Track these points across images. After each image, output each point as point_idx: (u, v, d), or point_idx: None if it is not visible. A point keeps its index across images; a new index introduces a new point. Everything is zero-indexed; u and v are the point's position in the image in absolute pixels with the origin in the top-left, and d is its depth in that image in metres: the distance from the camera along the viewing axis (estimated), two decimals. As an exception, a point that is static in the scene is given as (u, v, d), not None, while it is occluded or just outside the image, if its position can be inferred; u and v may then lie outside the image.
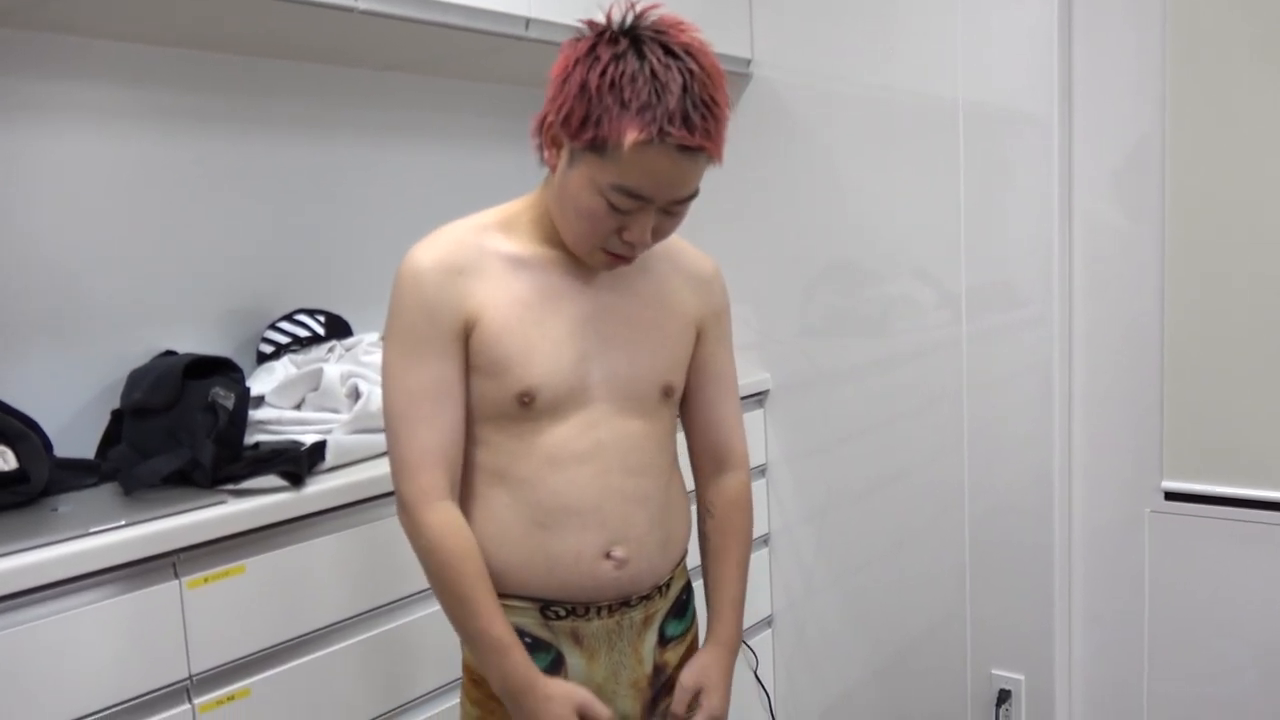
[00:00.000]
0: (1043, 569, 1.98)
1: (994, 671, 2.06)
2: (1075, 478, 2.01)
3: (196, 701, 1.27)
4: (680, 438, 1.30)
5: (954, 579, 2.08)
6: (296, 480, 1.36)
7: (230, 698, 1.30)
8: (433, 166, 2.05)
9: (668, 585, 1.23)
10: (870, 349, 2.14)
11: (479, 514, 1.16)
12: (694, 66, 1.02)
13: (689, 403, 1.29)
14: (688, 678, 1.20)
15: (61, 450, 1.47)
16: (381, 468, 1.42)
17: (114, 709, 1.20)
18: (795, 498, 2.28)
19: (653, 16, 1.05)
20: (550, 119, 1.07)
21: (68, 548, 1.14)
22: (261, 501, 1.31)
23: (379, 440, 1.45)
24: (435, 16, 1.58)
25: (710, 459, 1.31)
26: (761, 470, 2.29)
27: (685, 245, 1.27)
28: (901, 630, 2.17)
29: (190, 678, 1.26)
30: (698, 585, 1.31)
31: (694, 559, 1.31)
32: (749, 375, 2.23)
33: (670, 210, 1.09)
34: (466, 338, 1.11)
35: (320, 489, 1.37)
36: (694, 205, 1.12)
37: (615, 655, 1.19)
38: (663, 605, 1.23)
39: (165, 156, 1.65)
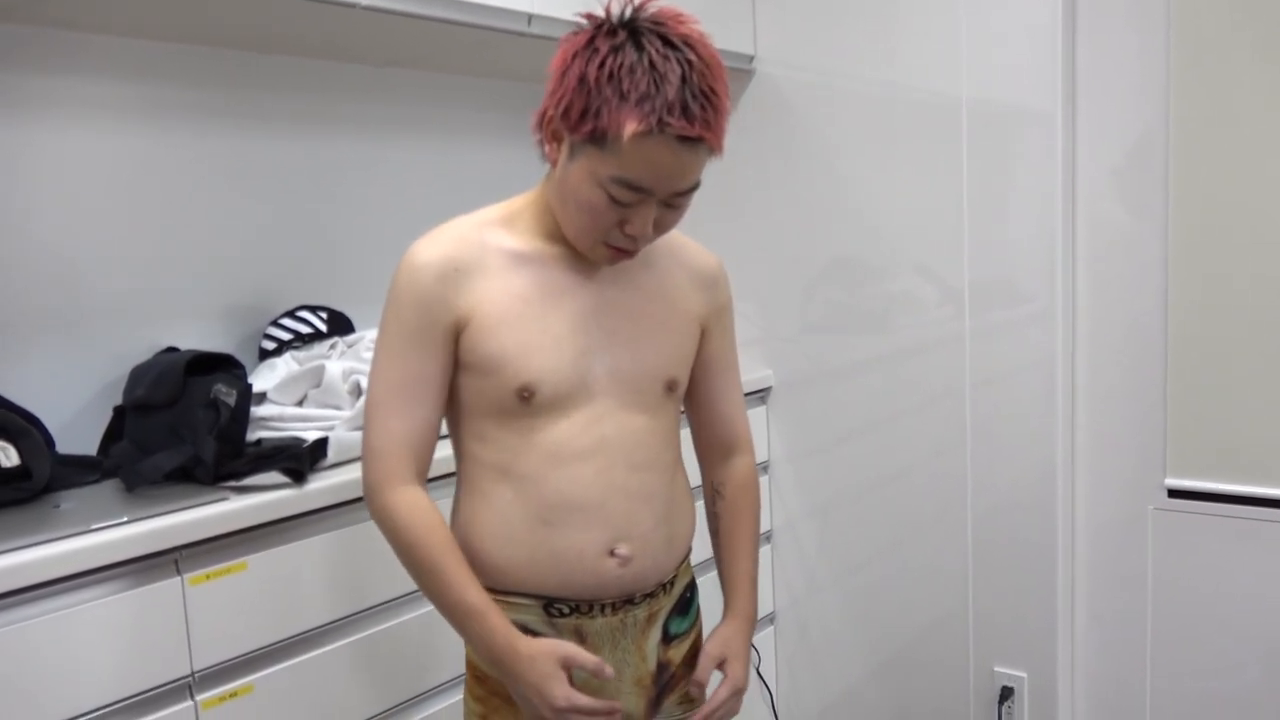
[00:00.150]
0: (1046, 566, 1.97)
1: (996, 668, 2.05)
2: (1078, 475, 2.00)
3: (199, 698, 1.27)
4: (684, 433, 1.30)
5: (956, 576, 2.08)
6: (299, 477, 1.36)
7: (233, 694, 1.30)
8: (435, 163, 2.05)
9: (672, 583, 1.23)
10: (873, 346, 2.14)
11: (483, 511, 1.16)
12: (693, 57, 1.02)
13: (695, 397, 1.29)
14: (713, 646, 1.22)
15: (64, 447, 1.47)
16: (384, 464, 1.42)
17: (116, 706, 1.19)
18: (797, 494, 2.27)
19: (652, 9, 1.05)
20: (550, 113, 1.07)
21: (70, 544, 1.14)
22: (263, 498, 1.31)
23: (381, 437, 1.44)
24: (437, 12, 1.58)
25: (719, 447, 1.32)
26: (764, 467, 2.29)
27: (689, 241, 1.27)
28: (904, 627, 2.17)
29: (192, 674, 1.26)
30: (702, 582, 1.31)
31: (698, 555, 1.31)
32: (751, 372, 2.22)
33: (671, 203, 1.09)
34: (458, 336, 1.12)
35: (322, 486, 1.37)
36: (696, 202, 1.12)
37: (619, 653, 1.18)
38: (667, 603, 1.23)
39: (167, 152, 1.65)
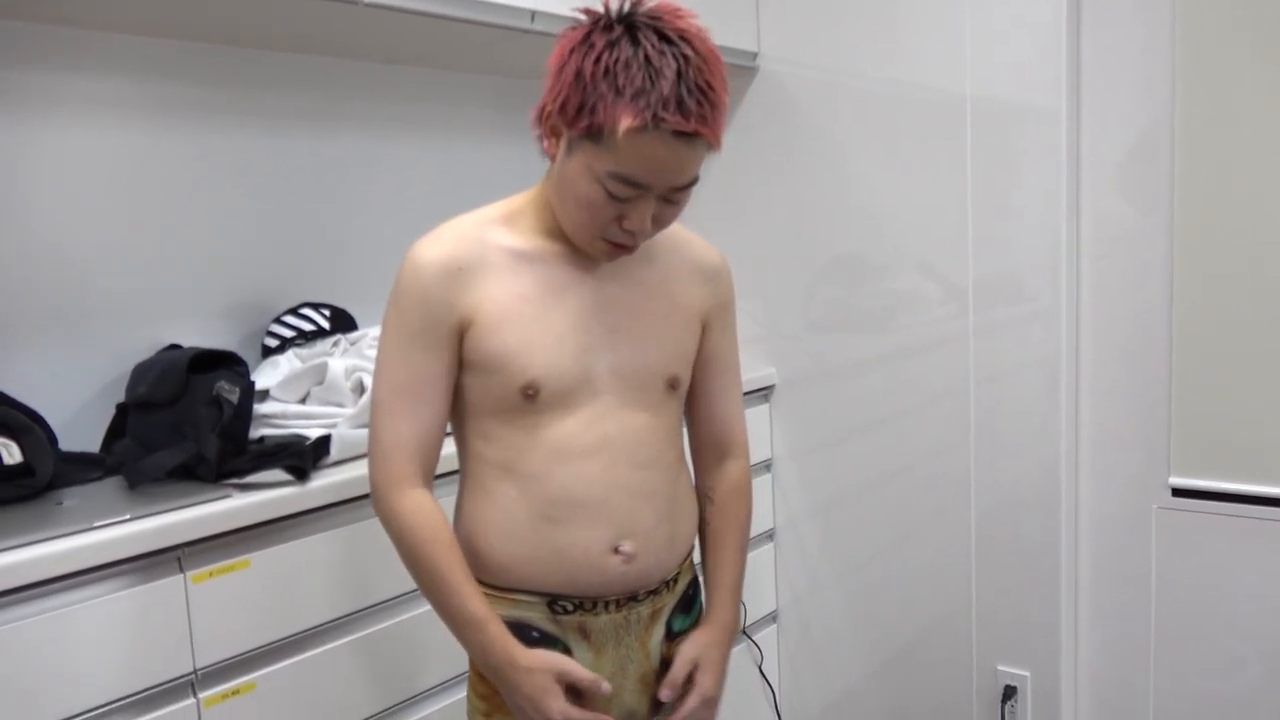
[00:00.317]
0: (1049, 565, 1.97)
1: (1000, 667, 2.05)
2: (1082, 473, 2.00)
3: (201, 696, 1.27)
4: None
5: (960, 574, 2.07)
6: (301, 474, 1.36)
7: (235, 692, 1.30)
8: (437, 160, 2.04)
9: (675, 580, 1.23)
10: (877, 343, 2.13)
11: (487, 508, 1.16)
12: (689, 52, 1.01)
13: (694, 394, 1.29)
14: (689, 650, 1.20)
15: (66, 444, 1.47)
16: (386, 462, 1.42)
17: (119, 703, 1.19)
18: (800, 493, 2.27)
19: (650, 4, 1.05)
20: (548, 108, 1.07)
21: (72, 542, 1.14)
22: (266, 496, 1.31)
23: (384, 435, 1.44)
24: (440, 9, 1.57)
25: (712, 448, 1.31)
26: (767, 465, 2.29)
27: (692, 236, 1.27)
28: (907, 626, 2.16)
29: (195, 672, 1.26)
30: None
31: (700, 553, 1.31)
32: (754, 370, 2.22)
33: (670, 198, 1.08)
34: (462, 336, 1.12)
35: (325, 483, 1.37)
36: (699, 199, 1.12)
37: (622, 650, 1.18)
38: (670, 600, 1.22)
39: (170, 150, 1.64)
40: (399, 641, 1.49)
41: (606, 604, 1.16)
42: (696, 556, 1.29)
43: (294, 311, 1.75)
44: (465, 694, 1.25)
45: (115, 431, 1.50)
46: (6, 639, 1.10)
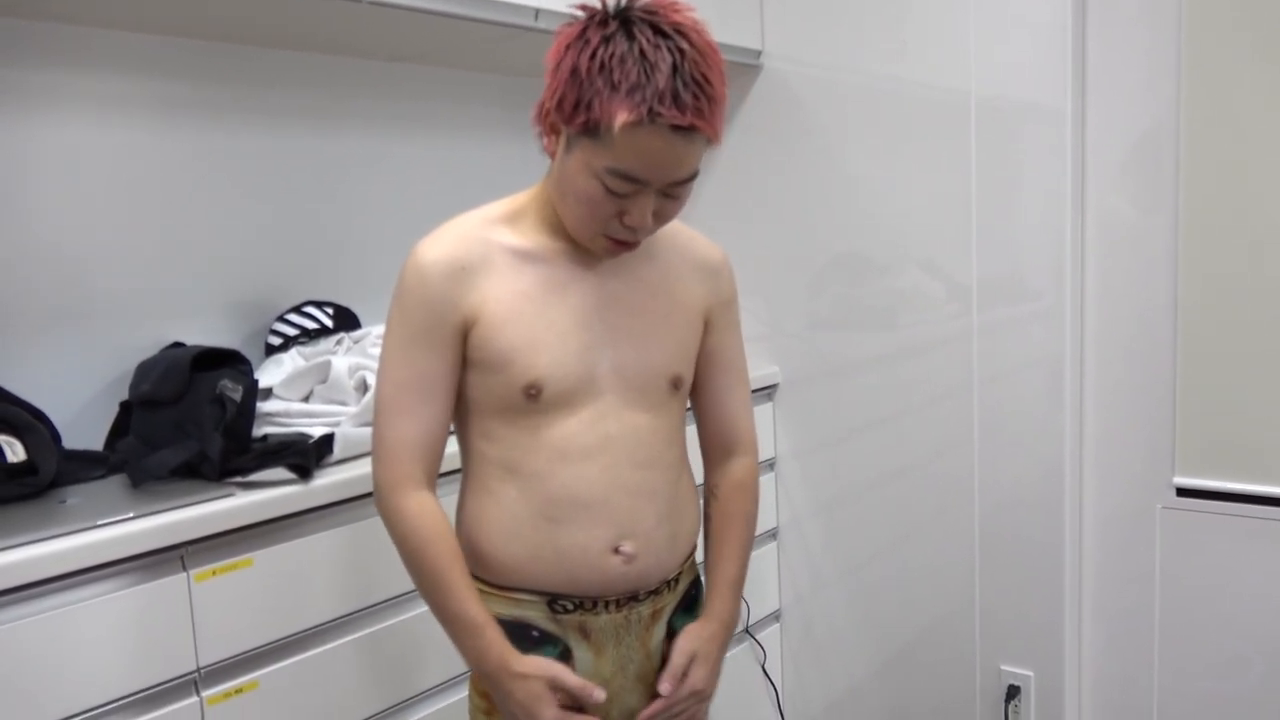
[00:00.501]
0: (1053, 565, 1.97)
1: (1003, 667, 2.05)
2: (1086, 473, 1.99)
3: (204, 694, 1.27)
4: (695, 430, 1.29)
5: (963, 574, 2.07)
6: (304, 473, 1.36)
7: (238, 690, 1.30)
8: (441, 158, 2.04)
9: (676, 580, 1.23)
10: (881, 342, 2.13)
11: (489, 508, 1.16)
12: (685, 45, 1.01)
13: (699, 392, 1.29)
14: (686, 643, 1.20)
15: (70, 442, 1.47)
16: (389, 461, 1.42)
17: (122, 701, 1.20)
18: (804, 492, 2.27)
19: None
20: (546, 105, 1.07)
21: (76, 540, 1.14)
22: (269, 494, 1.31)
23: (387, 433, 1.44)
24: (444, 7, 1.57)
25: (719, 445, 1.31)
26: (770, 464, 2.29)
27: (694, 234, 1.27)
28: (910, 625, 2.16)
29: (198, 670, 1.26)
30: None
31: (703, 553, 1.30)
32: (758, 369, 2.22)
33: (670, 193, 1.08)
34: (465, 335, 1.12)
35: (328, 482, 1.37)
36: (703, 197, 1.12)
37: (623, 649, 1.18)
38: (671, 600, 1.22)
39: (173, 148, 1.64)
40: (402, 640, 1.49)
41: (607, 604, 1.16)
42: (699, 556, 1.29)
43: (297, 310, 1.75)
44: (467, 693, 1.25)
45: (118, 430, 1.50)
46: (9, 638, 1.10)
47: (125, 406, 1.51)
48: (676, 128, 1.00)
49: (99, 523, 1.18)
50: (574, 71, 1.01)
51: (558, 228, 1.15)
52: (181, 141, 1.65)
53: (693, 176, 1.08)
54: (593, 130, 1.02)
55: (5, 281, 1.47)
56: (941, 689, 2.13)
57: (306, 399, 1.57)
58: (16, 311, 1.48)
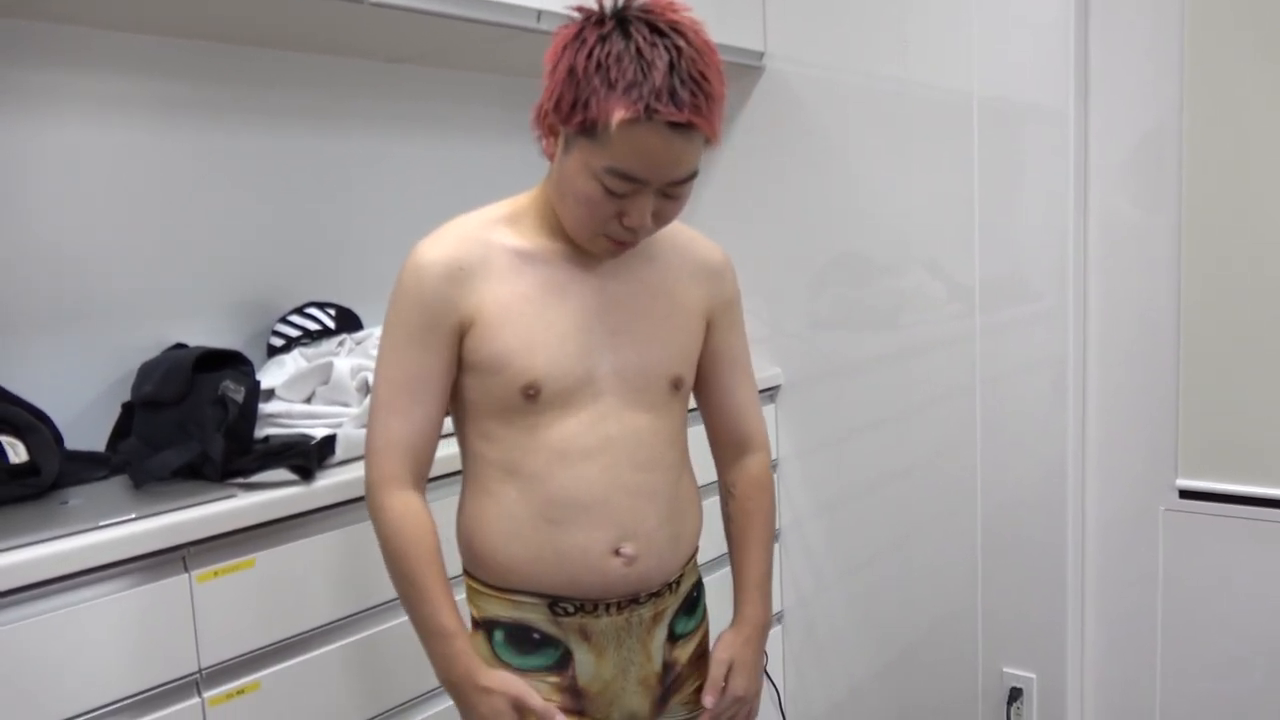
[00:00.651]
0: (1055, 566, 1.96)
1: (1005, 669, 2.05)
2: (1089, 474, 1.99)
3: (206, 695, 1.27)
4: (698, 431, 1.29)
5: (965, 575, 2.07)
6: (306, 474, 1.36)
7: (240, 691, 1.30)
8: (442, 159, 2.04)
9: (678, 582, 1.23)
10: (883, 343, 2.13)
11: (489, 509, 1.15)
12: (681, 43, 1.01)
13: (706, 391, 1.29)
14: (721, 653, 1.21)
15: (72, 443, 1.47)
16: (391, 462, 1.42)
17: (123, 702, 1.20)
18: (806, 492, 2.27)
19: None
20: (545, 107, 1.07)
21: (78, 541, 1.14)
22: (271, 495, 1.31)
23: (388, 434, 1.44)
24: (446, 8, 1.57)
25: (730, 444, 1.31)
26: (772, 464, 2.28)
27: (695, 235, 1.26)
28: (912, 627, 2.16)
29: (200, 671, 1.26)
30: (711, 581, 1.31)
31: (705, 555, 1.30)
32: (760, 370, 2.22)
33: (669, 192, 1.07)
34: (462, 336, 1.12)
35: (330, 483, 1.37)
36: (705, 198, 1.11)
37: (624, 652, 1.18)
38: (672, 602, 1.22)
39: (174, 148, 1.65)
40: (404, 641, 1.48)
41: (608, 606, 1.16)
42: (700, 557, 1.29)
43: (299, 311, 1.75)
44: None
45: (120, 430, 1.50)
46: (11, 638, 1.10)
47: (127, 407, 1.51)
48: (674, 125, 1.00)
49: (101, 523, 1.18)
50: (571, 71, 1.01)
51: (558, 229, 1.15)
52: (182, 141, 1.65)
53: (692, 176, 1.07)
54: (590, 129, 1.02)
55: (6, 282, 1.47)
56: (943, 690, 2.13)
57: (309, 400, 1.57)
58: (18, 312, 1.48)
